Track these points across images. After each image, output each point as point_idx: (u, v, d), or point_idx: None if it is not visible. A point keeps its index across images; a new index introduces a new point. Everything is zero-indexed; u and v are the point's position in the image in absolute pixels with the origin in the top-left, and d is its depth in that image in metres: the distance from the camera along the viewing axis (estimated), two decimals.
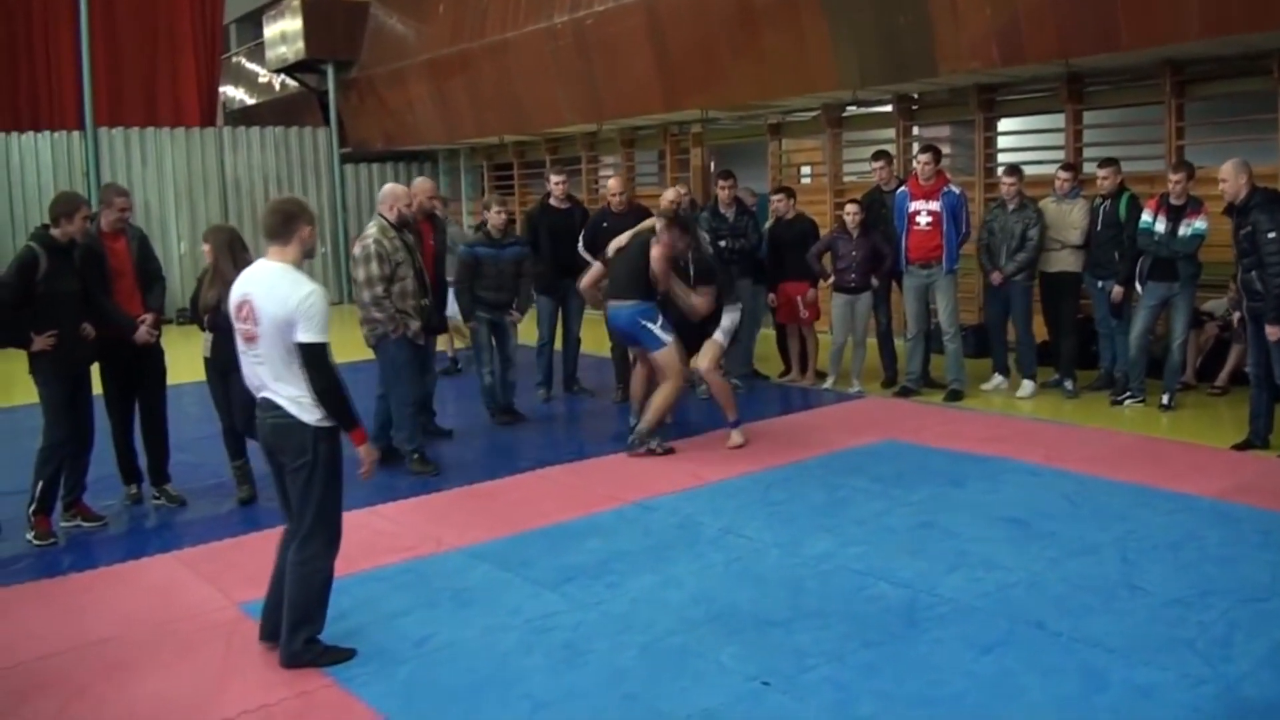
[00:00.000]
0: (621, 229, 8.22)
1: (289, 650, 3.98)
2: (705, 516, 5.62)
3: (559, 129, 14.76)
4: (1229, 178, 6.49)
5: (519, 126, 15.08)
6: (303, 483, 3.95)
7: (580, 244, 8.46)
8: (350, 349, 8.33)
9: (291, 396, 3.90)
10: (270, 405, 3.95)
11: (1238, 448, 6.68)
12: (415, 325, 6.67)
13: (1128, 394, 8.03)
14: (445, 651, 4.11)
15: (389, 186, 6.89)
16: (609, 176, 8.89)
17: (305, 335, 3.82)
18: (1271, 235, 6.24)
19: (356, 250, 6.64)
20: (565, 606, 4.49)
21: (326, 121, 18.00)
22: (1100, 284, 8.29)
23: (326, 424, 3.93)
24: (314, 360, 3.84)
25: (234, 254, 5.89)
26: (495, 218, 7.92)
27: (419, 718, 3.59)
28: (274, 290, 3.86)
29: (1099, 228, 8.21)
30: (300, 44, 17.33)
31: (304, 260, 4.02)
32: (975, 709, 3.54)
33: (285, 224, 3.97)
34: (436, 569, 4.99)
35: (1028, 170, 9.63)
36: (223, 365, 6.04)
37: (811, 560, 4.95)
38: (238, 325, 3.98)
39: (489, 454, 7.33)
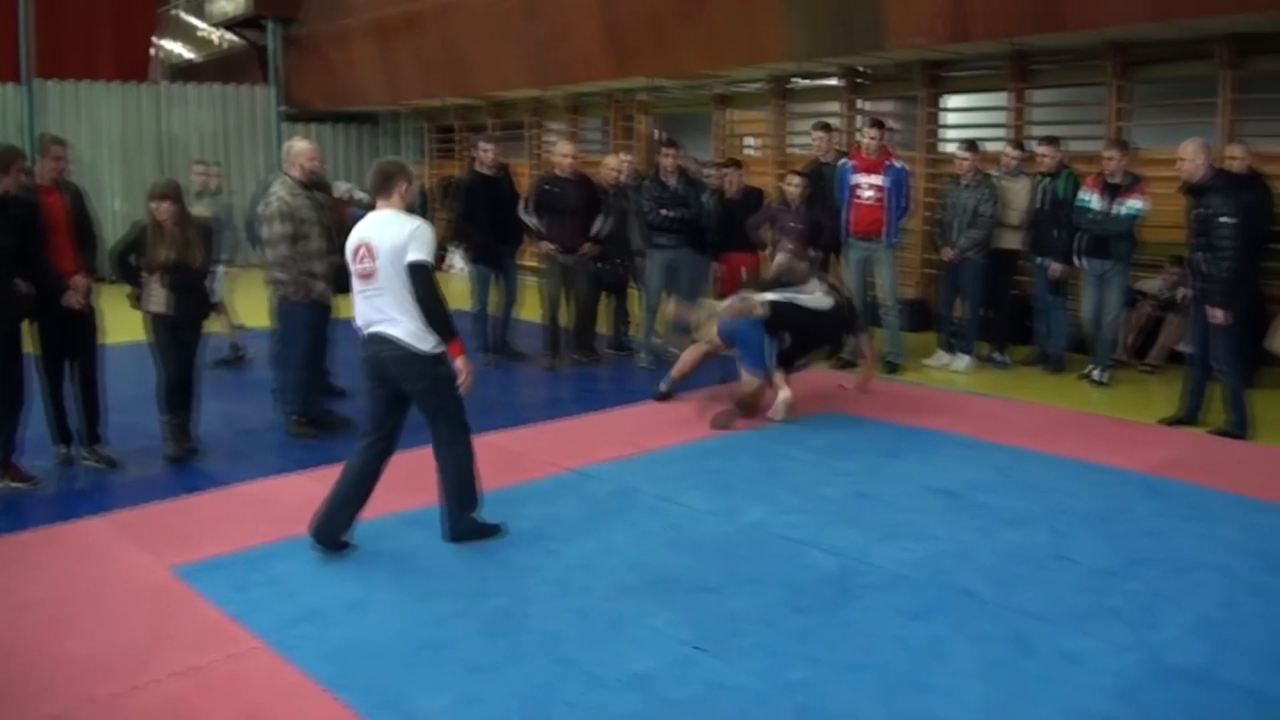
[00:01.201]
0: (567, 194, 8.20)
1: (456, 529, 4.76)
2: (643, 484, 5.65)
3: (504, 93, 14.63)
4: (1189, 156, 6.48)
5: (463, 89, 14.91)
6: (430, 399, 4.70)
7: (521, 207, 8.41)
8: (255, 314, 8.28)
9: (409, 330, 4.51)
10: (384, 339, 4.55)
11: (1167, 423, 6.84)
12: (320, 286, 6.56)
13: (1093, 366, 8.16)
14: (379, 615, 4.10)
15: (293, 143, 6.76)
16: (554, 142, 8.83)
17: (414, 255, 4.46)
18: (1225, 220, 6.27)
19: (262, 209, 6.53)
20: (501, 572, 4.50)
21: (268, 79, 17.66)
22: (1040, 260, 8.42)
23: (438, 350, 4.57)
24: (420, 275, 4.48)
25: (186, 212, 5.95)
26: None
27: (350, 681, 3.57)
28: (388, 227, 4.53)
29: (1044, 206, 8.35)
30: None
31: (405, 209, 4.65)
32: (904, 674, 3.60)
33: (385, 181, 4.65)
34: (372, 533, 4.94)
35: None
36: (177, 322, 5.98)
37: (746, 528, 5.00)
38: (355, 266, 4.58)
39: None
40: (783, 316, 6.97)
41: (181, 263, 5.94)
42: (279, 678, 3.63)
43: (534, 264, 9.78)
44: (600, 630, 3.94)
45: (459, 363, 4.65)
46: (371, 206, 7.11)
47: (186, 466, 6.11)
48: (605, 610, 4.12)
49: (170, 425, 6.20)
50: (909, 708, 3.38)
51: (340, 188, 9.38)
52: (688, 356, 7.41)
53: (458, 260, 16.34)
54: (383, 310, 4.54)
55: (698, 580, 4.39)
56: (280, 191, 6.46)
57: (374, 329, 4.59)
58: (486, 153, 8.84)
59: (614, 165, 8.79)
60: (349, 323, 7.73)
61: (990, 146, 9.24)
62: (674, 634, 3.90)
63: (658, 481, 5.66)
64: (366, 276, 4.55)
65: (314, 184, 6.69)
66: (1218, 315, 6.41)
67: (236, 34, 18.77)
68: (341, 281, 6.83)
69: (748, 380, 6.96)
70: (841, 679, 3.57)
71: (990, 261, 8.63)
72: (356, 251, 4.57)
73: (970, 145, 8.62)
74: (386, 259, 4.47)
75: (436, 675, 3.61)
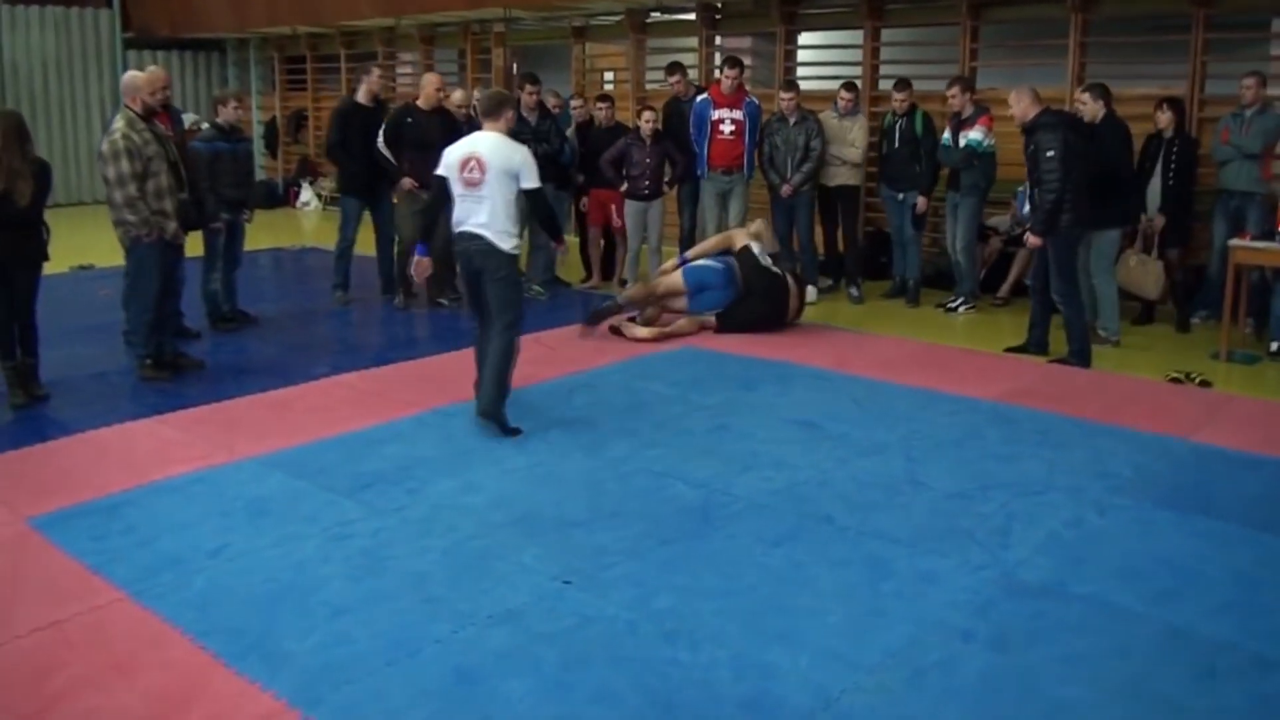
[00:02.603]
0: (429, 127, 8.01)
1: (487, 409, 5.43)
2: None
3: (355, 22, 14.15)
4: (1014, 104, 6.85)
5: (313, 18, 14.34)
6: (503, 288, 5.43)
7: (380, 139, 8.15)
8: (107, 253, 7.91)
9: (498, 231, 5.34)
10: (474, 236, 5.37)
11: (1012, 350, 7.13)
12: (172, 226, 6.32)
13: (961, 300, 8.51)
14: (240, 561, 4.00)
15: (130, 75, 6.43)
16: (407, 74, 8.55)
17: (528, 183, 5.40)
18: (1050, 154, 6.59)
19: (105, 147, 6.16)
20: (363, 514, 4.43)
21: (109, 3, 16.65)
22: (901, 196, 8.69)
23: (515, 251, 5.47)
24: (537, 198, 5.52)
25: (21, 143, 5.55)
26: (232, 113, 7.61)
27: (215, 628, 3.49)
28: (498, 150, 5.36)
29: (896, 144, 8.65)
30: None
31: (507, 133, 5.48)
32: (767, 598, 3.70)
33: (496, 108, 5.48)
34: (230, 478, 4.82)
35: (826, 86, 9.93)
36: (4, 260, 5.66)
37: (611, 462, 5.03)
38: (462, 175, 5.35)
39: (282, 359, 7.08)
40: (754, 271, 7.47)
41: (5, 195, 5.58)
42: (142, 628, 3.52)
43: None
44: (467, 568, 3.93)
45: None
46: (217, 135, 7.00)
47: (35, 414, 5.83)
48: (471, 548, 4.10)
49: (9, 371, 5.89)
50: (773, 630, 3.48)
51: (187, 120, 8.95)
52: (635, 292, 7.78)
53: (309, 194, 15.90)
54: (478, 214, 5.35)
55: (564, 516, 4.41)
56: (122, 127, 6.13)
57: (465, 228, 5.40)
58: (375, 81, 8.52)
59: (459, 101, 8.60)
60: (198, 260, 7.56)
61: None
62: (542, 569, 3.91)
63: (521, 418, 5.62)
64: (472, 185, 5.35)
65: (159, 113, 6.38)
66: (1033, 241, 6.84)
67: None
68: (189, 219, 6.59)
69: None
70: (707, 605, 3.64)
71: (829, 199, 8.94)
72: (466, 163, 5.36)
73: (790, 84, 8.97)
74: (495, 175, 5.32)
75: (301, 619, 3.55)
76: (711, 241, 8.14)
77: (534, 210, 5.64)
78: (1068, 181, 6.56)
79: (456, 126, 8.37)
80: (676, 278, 7.71)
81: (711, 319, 7.50)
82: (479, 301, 5.58)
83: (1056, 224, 6.67)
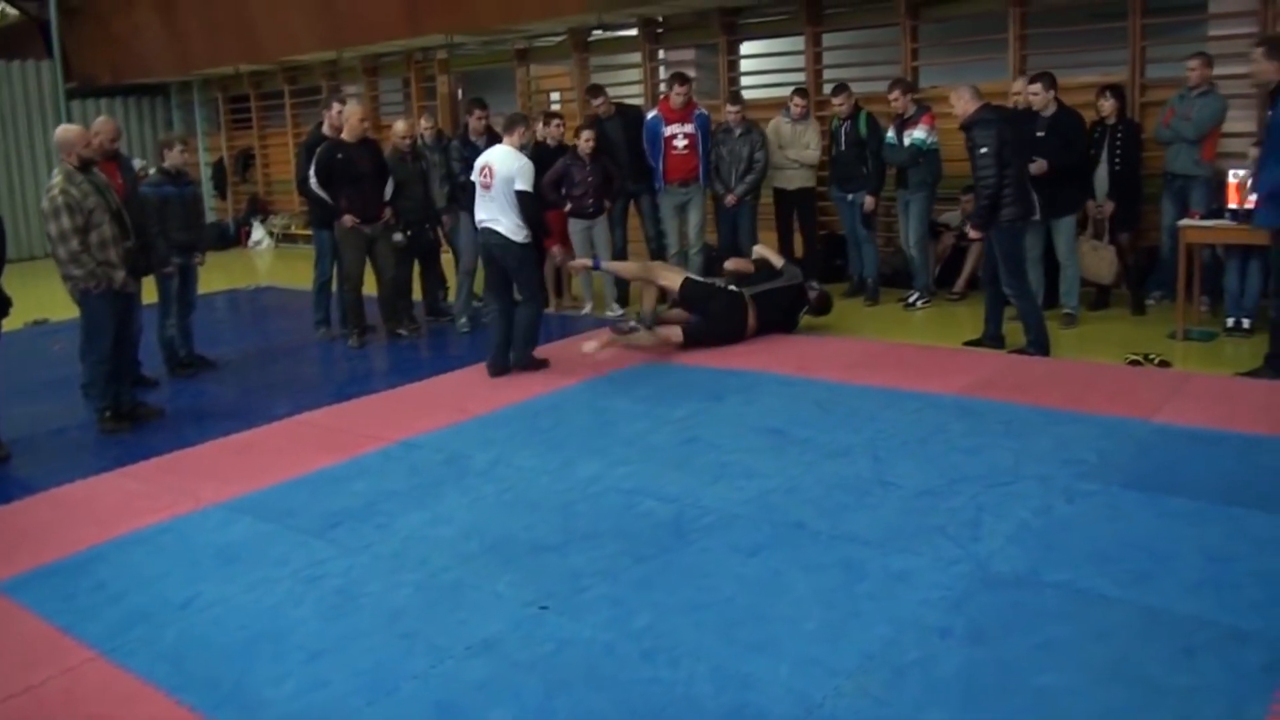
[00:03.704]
0: (359, 159, 7.97)
1: (519, 360, 7.04)
2: (474, 449, 5.59)
3: (297, 57, 14.09)
4: (955, 102, 6.96)
5: (254, 55, 14.29)
6: (520, 271, 6.90)
7: (312, 178, 8.05)
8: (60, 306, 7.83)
9: (508, 226, 6.75)
10: (492, 232, 6.81)
11: (970, 344, 7.18)
12: (120, 275, 6.23)
13: (917, 295, 8.66)
14: (212, 610, 3.95)
15: (62, 131, 6.32)
16: (340, 107, 8.45)
17: (520, 186, 6.71)
18: (983, 151, 6.69)
19: (45, 204, 6.07)
20: (334, 553, 4.39)
21: (50, 54, 16.49)
22: (850, 197, 8.84)
23: (527, 241, 6.82)
24: (525, 200, 6.75)
25: None
26: (178, 157, 7.57)
27: (190, 681, 3.44)
28: (504, 160, 6.78)
29: (843, 147, 8.82)
30: None
31: (520, 148, 6.92)
32: (745, 608, 3.69)
33: (510, 126, 6.98)
34: (197, 526, 4.77)
35: (770, 93, 10.05)
36: None
37: (581, 483, 5.01)
38: (479, 179, 6.87)
39: (243, 401, 7.03)
40: (705, 298, 7.61)
41: None
42: (116, 686, 3.47)
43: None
44: (441, 600, 3.90)
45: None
46: (164, 179, 6.96)
47: None
48: (444, 580, 4.07)
49: None
50: (751, 640, 3.47)
51: (135, 165, 8.86)
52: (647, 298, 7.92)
53: (260, 233, 15.80)
54: (492, 212, 6.78)
55: (536, 540, 4.39)
56: (60, 182, 6.05)
57: (485, 224, 6.85)
58: (335, 116, 8.41)
59: (402, 131, 8.56)
60: (153, 306, 7.49)
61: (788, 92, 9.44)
62: (517, 596, 3.88)
63: (488, 445, 5.61)
64: (485, 186, 6.80)
65: (104, 162, 6.35)
66: (974, 233, 7.04)
67: (13, 5, 17.39)
68: (138, 266, 6.52)
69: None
70: (685, 620, 3.63)
71: (788, 202, 9.15)
72: (482, 170, 6.83)
73: (735, 97, 9.12)
74: (500, 180, 6.71)
75: (277, 664, 3.51)
76: (632, 267, 8.19)
77: (520, 209, 6.70)
78: (1002, 178, 6.66)
79: (382, 156, 8.32)
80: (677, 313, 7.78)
81: (677, 335, 7.45)
82: (497, 281, 6.99)
83: (993, 218, 6.77)
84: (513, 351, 6.97)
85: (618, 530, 4.44)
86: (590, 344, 7.35)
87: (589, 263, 8.15)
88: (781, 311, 7.75)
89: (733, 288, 7.63)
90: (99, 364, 6.38)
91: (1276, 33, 7.42)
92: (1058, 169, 7.39)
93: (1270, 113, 6.03)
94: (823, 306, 8.01)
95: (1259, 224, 6.26)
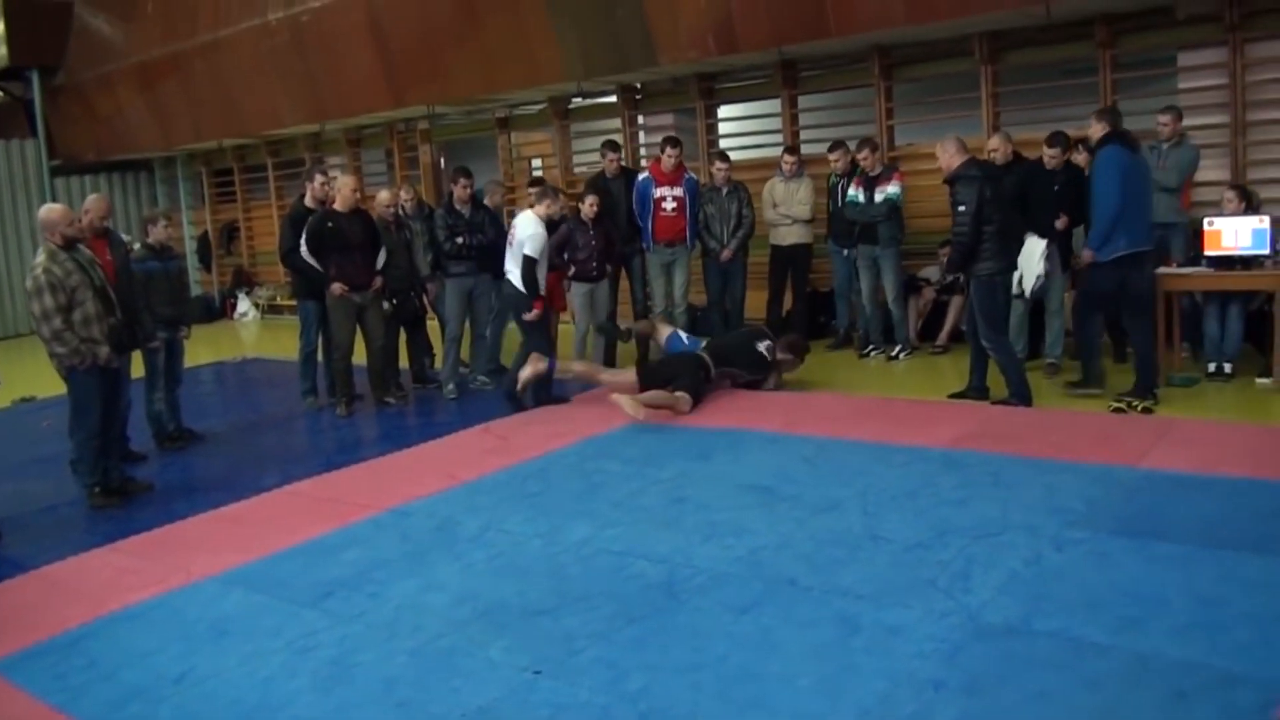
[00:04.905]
0: (350, 229, 8.04)
1: (506, 383, 7.97)
2: (463, 516, 5.58)
3: (280, 131, 14.24)
4: (940, 154, 7.10)
5: (238, 130, 14.47)
6: (525, 323, 7.76)
7: (303, 247, 8.11)
8: (48, 383, 7.83)
9: (519, 279, 7.68)
10: (509, 283, 7.85)
11: (955, 396, 7.24)
12: (104, 351, 6.26)
13: (870, 347, 8.99)
14: (205, 685, 3.93)
15: (45, 211, 6.37)
16: (332, 178, 8.55)
17: (528, 250, 7.63)
18: (961, 208, 6.82)
19: (29, 283, 6.14)
20: (327, 623, 4.37)
21: (34, 133, 16.63)
22: (845, 252, 9.11)
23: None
24: (526, 263, 7.65)
25: None
26: (162, 232, 7.68)
27: None
28: (523, 224, 7.75)
29: (839, 204, 9.03)
30: (1, 49, 15.95)
31: (545, 217, 7.77)
32: (739, 667, 3.69)
33: (538, 197, 7.87)
34: (189, 600, 4.75)
35: (749, 155, 10.23)
36: None
37: (572, 546, 5.01)
38: (510, 236, 7.90)
39: (232, 473, 7.02)
40: (669, 366, 7.76)
41: None
42: None
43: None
44: (435, 668, 3.89)
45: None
46: (148, 255, 6.89)
47: None
48: (438, 647, 4.06)
49: None
50: (746, 698, 3.46)
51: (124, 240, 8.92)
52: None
53: (246, 304, 15.84)
54: (509, 268, 7.79)
55: (529, 605, 4.38)
56: (43, 261, 6.10)
57: (506, 276, 7.86)
58: (322, 186, 8.49)
59: (386, 200, 8.66)
60: (141, 381, 7.50)
61: (768, 152, 9.63)
62: (511, 661, 3.88)
63: (478, 511, 5.61)
64: (510, 245, 7.84)
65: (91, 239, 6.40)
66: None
67: None
68: (123, 340, 6.54)
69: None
70: (679, 681, 3.62)
71: (783, 258, 9.41)
72: (509, 232, 7.93)
73: (722, 156, 9.43)
74: (517, 241, 7.72)
75: None
76: (577, 368, 8.09)
77: (521, 269, 7.63)
78: (979, 234, 6.78)
79: (374, 225, 8.39)
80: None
81: (685, 403, 7.31)
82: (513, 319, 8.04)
83: (965, 270, 6.94)
84: (506, 379, 7.95)
85: (609, 592, 4.44)
86: (625, 401, 7.04)
87: (543, 367, 7.75)
88: (743, 364, 7.84)
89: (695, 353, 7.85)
90: (87, 440, 6.39)
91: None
92: (1075, 222, 7.66)
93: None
94: (797, 352, 8.12)
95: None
